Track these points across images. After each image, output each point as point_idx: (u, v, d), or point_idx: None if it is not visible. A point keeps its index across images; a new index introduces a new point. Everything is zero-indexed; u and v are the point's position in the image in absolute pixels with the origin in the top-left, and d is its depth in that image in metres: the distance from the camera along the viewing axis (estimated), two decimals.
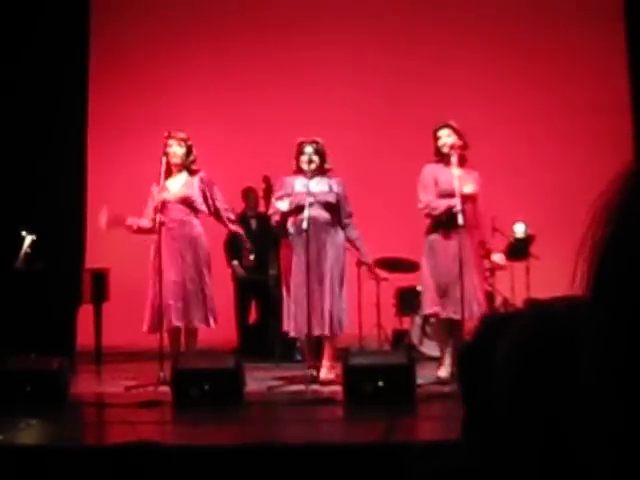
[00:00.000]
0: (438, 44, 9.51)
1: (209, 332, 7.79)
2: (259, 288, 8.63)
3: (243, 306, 8.89)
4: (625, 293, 0.48)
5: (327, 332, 6.46)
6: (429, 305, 6.48)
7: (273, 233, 8.36)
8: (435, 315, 6.52)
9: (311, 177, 6.59)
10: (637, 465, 0.47)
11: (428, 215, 6.44)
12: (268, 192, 8.09)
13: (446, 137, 6.47)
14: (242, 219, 8.99)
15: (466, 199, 6.29)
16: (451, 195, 6.30)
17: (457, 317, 6.29)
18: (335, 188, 6.59)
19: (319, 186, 6.59)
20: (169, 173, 6.87)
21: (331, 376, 6.40)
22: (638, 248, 0.48)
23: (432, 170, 6.50)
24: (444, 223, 6.36)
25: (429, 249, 6.45)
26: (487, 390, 1.19)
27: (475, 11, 9.58)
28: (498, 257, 6.75)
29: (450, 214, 6.29)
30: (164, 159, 6.75)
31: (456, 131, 6.49)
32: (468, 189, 6.31)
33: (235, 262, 8.78)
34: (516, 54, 9.46)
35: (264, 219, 8.67)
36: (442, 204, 6.34)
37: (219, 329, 8.46)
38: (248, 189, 8.97)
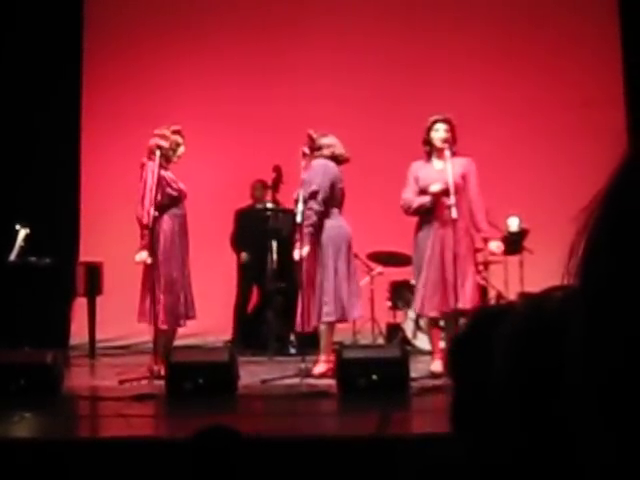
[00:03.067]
0: (432, 39, 9.50)
1: (204, 324, 7.81)
2: (261, 279, 8.61)
3: (244, 298, 8.86)
4: (609, 283, 0.48)
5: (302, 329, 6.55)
6: (415, 301, 6.55)
7: (268, 226, 8.37)
8: (421, 314, 6.64)
9: (306, 172, 6.60)
10: (616, 461, 0.47)
11: (405, 213, 6.52)
12: (277, 182, 8.07)
13: (443, 131, 6.46)
14: (249, 211, 8.92)
15: (438, 196, 6.32)
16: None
17: (435, 314, 6.39)
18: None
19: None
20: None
21: (322, 370, 6.39)
22: (625, 238, 0.48)
23: (414, 167, 6.55)
24: (424, 219, 6.42)
25: (416, 246, 6.50)
26: (478, 383, 1.19)
27: (469, 7, 9.57)
28: (495, 245, 6.71)
29: (427, 210, 6.34)
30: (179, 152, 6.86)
31: (452, 127, 6.50)
32: (435, 187, 6.33)
33: (244, 254, 8.75)
34: (510, 50, 9.45)
35: (261, 212, 8.66)
36: (416, 201, 6.41)
37: (214, 322, 8.49)
38: (256, 181, 8.88)
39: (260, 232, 8.56)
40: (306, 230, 6.44)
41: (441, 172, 6.36)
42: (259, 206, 8.84)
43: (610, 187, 0.51)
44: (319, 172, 6.51)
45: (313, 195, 6.44)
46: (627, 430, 0.46)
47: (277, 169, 8.01)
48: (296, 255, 6.46)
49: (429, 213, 6.40)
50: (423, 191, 6.42)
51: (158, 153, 6.67)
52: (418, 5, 9.62)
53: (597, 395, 0.47)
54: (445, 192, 6.28)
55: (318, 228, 6.47)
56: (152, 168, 6.66)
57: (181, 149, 6.86)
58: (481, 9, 9.57)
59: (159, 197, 6.65)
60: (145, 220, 6.61)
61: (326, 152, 6.59)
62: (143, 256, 6.62)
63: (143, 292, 6.69)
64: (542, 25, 9.48)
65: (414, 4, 9.62)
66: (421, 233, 6.47)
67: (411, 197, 6.47)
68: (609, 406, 0.47)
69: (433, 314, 6.49)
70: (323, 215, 6.49)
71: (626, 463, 0.46)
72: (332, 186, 6.52)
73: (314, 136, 6.64)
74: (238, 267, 8.87)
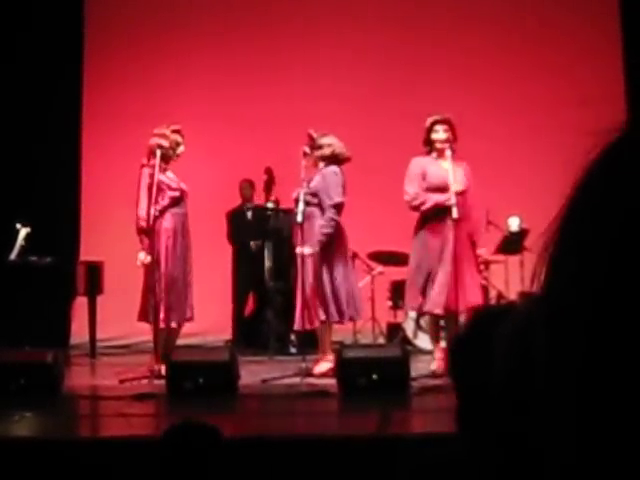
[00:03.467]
0: (431, 36, 9.49)
1: (204, 324, 7.81)
2: (256, 281, 8.63)
3: (241, 297, 8.88)
4: (571, 287, 0.47)
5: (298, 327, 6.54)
6: (411, 299, 6.52)
7: (269, 226, 8.38)
8: (417, 310, 6.63)
9: (307, 171, 6.57)
10: (577, 463, 0.47)
11: (415, 208, 6.44)
12: (269, 184, 8.08)
13: (443, 132, 6.43)
14: (239, 211, 8.98)
15: (457, 194, 6.29)
16: (442, 189, 6.32)
17: (439, 311, 6.35)
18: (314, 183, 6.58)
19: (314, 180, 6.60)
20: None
21: (323, 369, 6.38)
22: (587, 243, 0.48)
23: (420, 163, 6.48)
24: (434, 217, 6.36)
25: (419, 244, 6.45)
26: (478, 383, 1.19)
27: (469, 5, 9.57)
28: (483, 251, 6.75)
29: (439, 208, 6.31)
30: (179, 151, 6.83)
31: (452, 126, 6.47)
32: (457, 186, 6.30)
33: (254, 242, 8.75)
34: (510, 48, 9.45)
35: (259, 211, 8.68)
36: (431, 199, 6.34)
37: (214, 322, 8.48)
38: (244, 181, 8.98)
39: (251, 231, 8.62)
40: (323, 238, 6.44)
41: (449, 171, 6.35)
42: (248, 205, 8.91)
43: (573, 192, 0.50)
44: (335, 183, 6.52)
45: (335, 207, 6.48)
46: (589, 436, 0.45)
47: (268, 171, 8.03)
48: (299, 250, 6.48)
49: (437, 213, 6.34)
50: (437, 189, 6.35)
51: (158, 153, 6.66)
52: (417, 3, 9.61)
53: (557, 403, 0.47)
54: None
55: (331, 237, 6.49)
56: (149, 173, 6.65)
57: (181, 148, 6.86)
58: (481, 7, 9.56)
59: (160, 200, 6.65)
60: (142, 224, 6.62)
61: (326, 151, 6.58)
62: (141, 257, 6.63)
63: (144, 291, 6.69)
64: (542, 23, 9.47)
65: (413, 2, 9.61)
66: (424, 232, 6.41)
67: (420, 192, 6.41)
68: (567, 415, 0.47)
69: (437, 311, 6.43)
70: (337, 224, 6.52)
71: (587, 466, 0.46)
72: (343, 192, 6.58)
73: (314, 135, 6.63)
74: (233, 268, 8.87)
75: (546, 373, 0.47)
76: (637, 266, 0.44)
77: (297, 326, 6.61)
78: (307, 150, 6.61)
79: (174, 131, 6.83)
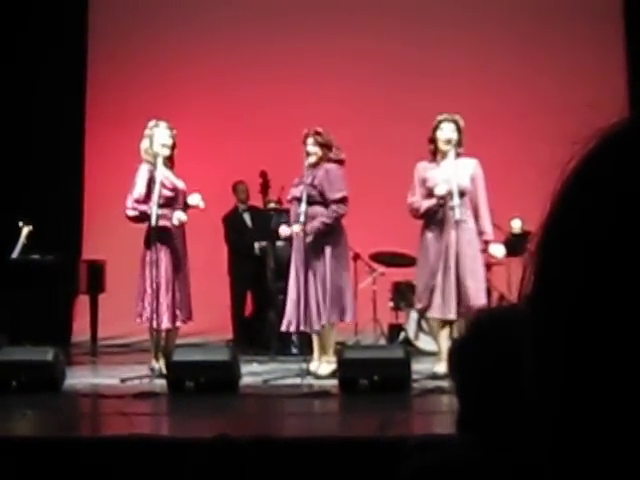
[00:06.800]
0: (434, 39, 9.49)
1: (205, 324, 7.81)
2: (256, 281, 8.63)
3: (239, 299, 8.88)
4: (554, 296, 0.47)
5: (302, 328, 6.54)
6: (418, 301, 6.50)
7: (269, 227, 8.37)
8: (422, 311, 6.56)
9: (310, 170, 6.51)
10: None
11: (414, 216, 6.43)
12: (265, 187, 8.07)
13: (449, 132, 6.37)
14: (234, 214, 8.96)
15: (444, 198, 6.23)
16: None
17: (449, 317, 6.26)
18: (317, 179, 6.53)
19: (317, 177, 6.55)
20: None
21: (328, 370, 6.35)
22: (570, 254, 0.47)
23: (421, 169, 6.44)
24: (435, 220, 6.32)
25: (422, 247, 6.42)
26: (479, 384, 1.19)
27: (473, 9, 9.57)
28: (496, 249, 6.60)
29: (441, 211, 6.27)
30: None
31: (459, 128, 6.42)
32: (440, 190, 6.19)
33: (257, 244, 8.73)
34: (514, 49, 9.45)
35: (259, 213, 8.67)
36: (423, 205, 6.32)
37: (215, 321, 8.48)
38: (238, 182, 8.93)
39: (252, 233, 8.63)
40: (320, 226, 6.40)
41: (448, 173, 6.28)
42: (243, 207, 8.94)
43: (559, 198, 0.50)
44: (340, 178, 6.49)
45: (341, 201, 6.44)
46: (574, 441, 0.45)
47: (263, 174, 8.01)
48: (283, 231, 6.55)
49: (436, 215, 6.32)
50: (431, 193, 6.32)
51: (150, 152, 6.63)
52: (420, 6, 9.61)
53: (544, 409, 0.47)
54: (450, 193, 6.21)
55: (330, 230, 6.45)
56: (143, 170, 6.60)
57: (164, 141, 6.69)
58: (484, 11, 9.56)
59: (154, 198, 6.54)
60: (131, 213, 6.59)
61: (337, 152, 6.57)
62: (182, 217, 6.58)
63: (139, 291, 6.61)
64: (545, 25, 9.48)
65: (416, 5, 9.61)
66: (428, 235, 6.38)
67: (418, 200, 6.38)
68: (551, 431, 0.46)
69: (439, 316, 6.37)
70: (340, 219, 6.51)
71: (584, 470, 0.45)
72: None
73: (322, 132, 6.58)
74: (231, 269, 8.85)
75: (532, 379, 0.47)
76: (619, 272, 0.44)
77: (302, 328, 6.56)
78: (311, 149, 6.54)
79: (165, 128, 6.73)
